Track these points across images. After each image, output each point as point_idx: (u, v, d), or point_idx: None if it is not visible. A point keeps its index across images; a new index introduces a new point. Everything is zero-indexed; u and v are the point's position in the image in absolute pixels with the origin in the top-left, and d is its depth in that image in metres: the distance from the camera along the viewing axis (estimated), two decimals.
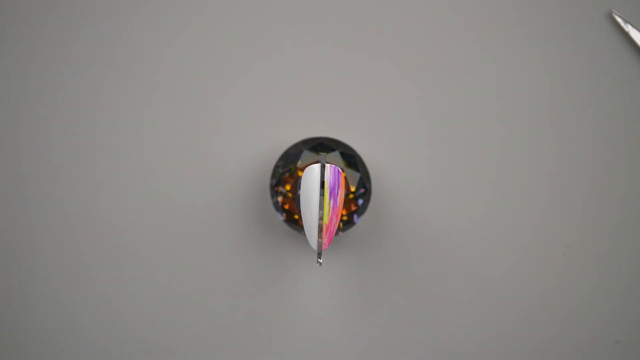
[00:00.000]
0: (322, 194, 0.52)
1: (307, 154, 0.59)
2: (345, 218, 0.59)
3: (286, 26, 0.62)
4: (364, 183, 0.59)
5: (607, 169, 0.62)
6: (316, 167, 0.53)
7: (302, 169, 0.57)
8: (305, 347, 0.62)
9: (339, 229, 0.59)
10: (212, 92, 0.62)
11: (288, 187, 0.59)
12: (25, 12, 0.62)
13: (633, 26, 0.62)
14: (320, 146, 0.59)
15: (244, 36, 0.62)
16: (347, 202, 0.59)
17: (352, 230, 0.62)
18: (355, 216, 0.59)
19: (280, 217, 0.59)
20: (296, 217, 0.59)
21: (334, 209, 0.53)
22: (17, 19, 0.62)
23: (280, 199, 0.59)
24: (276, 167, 0.59)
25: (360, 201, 0.59)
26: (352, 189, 0.59)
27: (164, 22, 0.62)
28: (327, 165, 0.53)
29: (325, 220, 0.53)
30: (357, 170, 0.59)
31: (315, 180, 0.53)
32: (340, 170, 0.53)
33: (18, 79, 0.62)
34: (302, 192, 0.53)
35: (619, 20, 0.62)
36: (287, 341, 0.62)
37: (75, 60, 0.62)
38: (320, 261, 0.53)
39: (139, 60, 0.62)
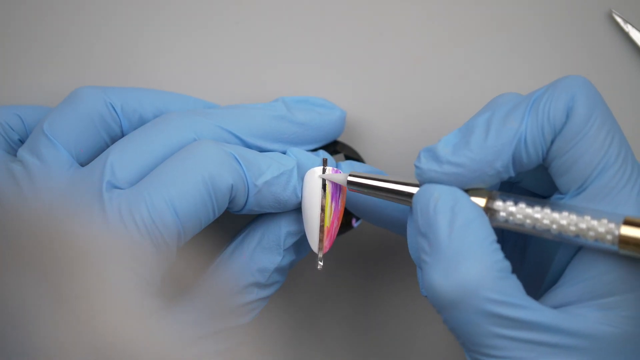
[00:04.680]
0: (323, 197, 0.53)
1: None
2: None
3: (286, 26, 0.62)
4: None
5: None
6: (318, 170, 0.53)
7: None
8: (304, 348, 0.63)
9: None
10: (214, 91, 0.62)
11: None
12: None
13: (633, 26, 0.62)
14: (324, 148, 0.59)
15: (242, 39, 0.62)
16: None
17: (351, 234, 0.62)
18: (353, 220, 0.59)
19: None
20: None
21: (335, 212, 0.54)
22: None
23: None
24: None
25: None
26: None
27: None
28: (329, 168, 0.53)
29: (327, 223, 0.53)
30: None
31: (316, 183, 0.53)
32: (342, 172, 0.54)
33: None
34: (304, 195, 0.53)
35: (619, 20, 0.62)
36: (285, 342, 0.63)
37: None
38: (321, 264, 0.54)
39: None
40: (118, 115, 0.54)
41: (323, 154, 0.56)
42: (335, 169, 0.54)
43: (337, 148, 0.59)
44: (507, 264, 0.47)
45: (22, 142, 0.56)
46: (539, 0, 0.62)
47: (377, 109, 0.62)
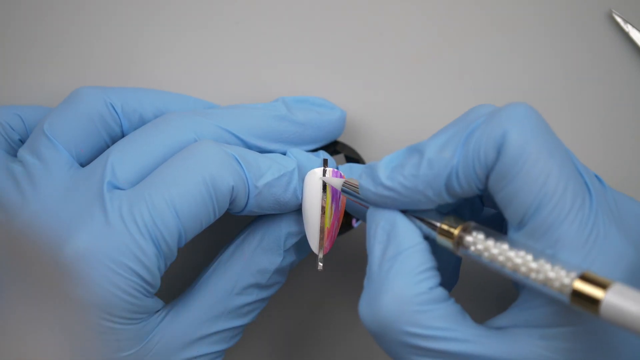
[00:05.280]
0: (324, 198, 0.53)
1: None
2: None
3: (285, 27, 0.62)
4: None
5: (607, 170, 0.62)
6: (318, 171, 0.54)
7: None
8: (304, 349, 0.63)
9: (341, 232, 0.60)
10: (214, 91, 0.62)
11: None
12: None
13: (633, 26, 0.62)
14: (324, 149, 0.59)
15: (242, 39, 0.62)
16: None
17: (351, 234, 0.63)
18: (354, 220, 0.60)
19: None
20: None
21: (335, 213, 0.54)
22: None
23: None
24: None
25: None
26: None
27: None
28: (329, 169, 0.53)
29: (327, 224, 0.53)
30: None
31: (317, 184, 0.54)
32: (342, 174, 0.54)
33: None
34: (304, 197, 0.54)
35: (619, 20, 0.62)
36: (285, 344, 0.63)
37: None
38: (321, 265, 0.54)
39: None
40: (118, 115, 0.54)
41: (323, 154, 0.56)
42: (336, 170, 0.54)
43: (337, 148, 0.60)
44: (436, 294, 0.46)
45: (22, 142, 0.56)
46: (539, 0, 0.63)
47: (377, 109, 0.62)
